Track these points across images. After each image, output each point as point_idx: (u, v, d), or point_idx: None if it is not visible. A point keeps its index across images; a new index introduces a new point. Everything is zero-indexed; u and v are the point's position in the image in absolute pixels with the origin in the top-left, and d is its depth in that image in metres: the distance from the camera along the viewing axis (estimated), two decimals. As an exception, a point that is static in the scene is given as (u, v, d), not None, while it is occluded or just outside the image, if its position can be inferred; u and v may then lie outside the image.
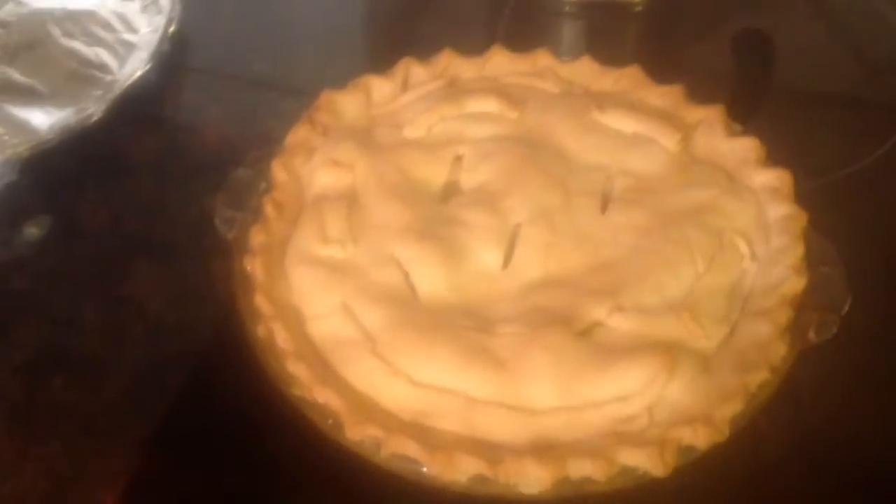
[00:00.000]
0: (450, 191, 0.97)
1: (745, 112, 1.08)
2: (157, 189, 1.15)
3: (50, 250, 1.08)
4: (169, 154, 1.19)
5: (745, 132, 1.01)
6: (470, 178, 0.97)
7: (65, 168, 1.13)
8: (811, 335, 0.84)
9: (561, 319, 0.84)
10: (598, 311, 0.86)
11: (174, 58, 1.26)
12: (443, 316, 0.86)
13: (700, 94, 1.05)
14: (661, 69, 1.07)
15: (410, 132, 1.01)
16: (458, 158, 0.98)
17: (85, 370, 0.96)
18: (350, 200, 0.95)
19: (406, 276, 0.89)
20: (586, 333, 0.85)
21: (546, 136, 1.00)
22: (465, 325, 0.85)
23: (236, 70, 1.31)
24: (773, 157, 0.98)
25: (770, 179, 0.95)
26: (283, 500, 0.87)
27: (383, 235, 0.91)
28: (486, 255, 0.90)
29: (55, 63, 1.19)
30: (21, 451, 0.90)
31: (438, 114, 1.01)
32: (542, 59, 1.08)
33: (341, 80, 1.08)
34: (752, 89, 1.29)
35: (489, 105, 1.02)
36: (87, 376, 0.96)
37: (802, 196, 0.95)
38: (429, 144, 0.99)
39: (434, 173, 0.98)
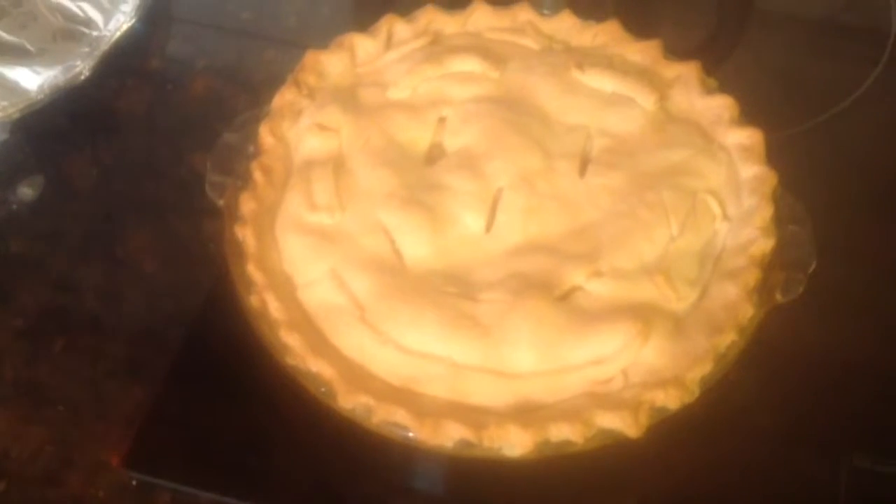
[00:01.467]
0: (434, 153, 1.00)
1: (726, 45, 1.10)
2: (147, 145, 1.18)
3: (44, 211, 1.11)
4: (157, 108, 1.22)
5: (721, 88, 1.03)
6: (453, 141, 1.00)
7: (55, 126, 1.16)
8: (777, 296, 0.88)
9: (541, 285, 0.88)
10: (577, 276, 0.89)
11: (159, 8, 1.27)
12: (428, 282, 0.89)
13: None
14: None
15: (395, 93, 1.03)
16: (442, 120, 1.01)
17: (85, 333, 1.01)
18: (337, 165, 0.97)
19: (392, 242, 0.92)
20: (565, 298, 0.88)
21: (527, 97, 1.02)
22: (450, 292, 0.88)
23: (221, 19, 1.33)
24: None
25: (742, 138, 0.98)
26: (282, 461, 0.92)
27: (370, 201, 0.94)
28: (469, 220, 0.93)
29: (42, 20, 1.20)
30: (26, 415, 0.94)
31: (422, 75, 1.03)
32: (523, 13, 1.10)
33: (325, 28, 1.10)
34: (733, 21, 1.31)
35: (471, 64, 1.04)
36: (87, 339, 1.00)
37: (775, 147, 0.97)
38: (413, 106, 1.02)
39: (418, 136, 1.00)
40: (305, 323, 0.88)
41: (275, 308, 0.87)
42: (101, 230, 1.09)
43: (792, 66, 1.25)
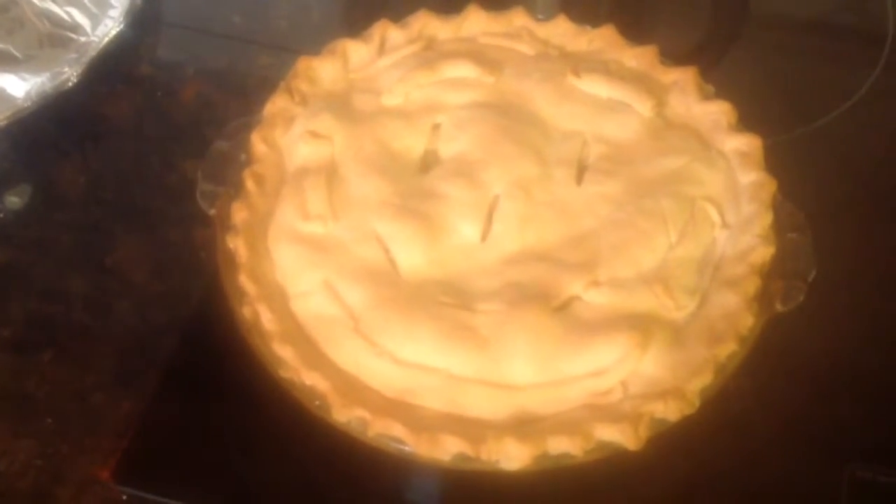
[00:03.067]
0: (428, 160, 0.98)
1: (720, 48, 1.08)
2: (136, 153, 1.16)
3: (31, 220, 1.09)
4: (147, 115, 1.20)
5: (718, 93, 1.02)
6: (448, 148, 0.98)
7: (43, 133, 1.14)
8: (778, 305, 0.87)
9: (538, 295, 0.87)
10: (574, 286, 0.88)
11: (148, 12, 1.25)
12: (424, 292, 0.88)
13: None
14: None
15: (388, 100, 1.01)
16: (436, 127, 1.00)
17: (74, 344, 0.99)
18: (330, 173, 0.96)
19: (387, 251, 0.90)
20: (563, 308, 0.87)
21: (522, 103, 1.01)
22: (446, 302, 0.87)
23: (211, 24, 1.31)
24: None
25: (740, 144, 0.97)
26: (275, 475, 0.90)
27: (363, 210, 0.93)
28: (465, 229, 0.92)
29: (29, 25, 1.18)
30: (14, 429, 0.93)
31: (415, 81, 1.02)
32: (518, 18, 1.09)
33: (316, 32, 1.08)
34: (727, 24, 1.30)
35: (466, 70, 1.03)
36: (76, 350, 0.98)
37: (772, 152, 0.96)
38: (407, 112, 1.00)
39: (412, 143, 0.99)
40: (299, 335, 0.86)
41: (267, 319, 0.86)
42: (90, 239, 1.07)
43: (788, 70, 1.24)
